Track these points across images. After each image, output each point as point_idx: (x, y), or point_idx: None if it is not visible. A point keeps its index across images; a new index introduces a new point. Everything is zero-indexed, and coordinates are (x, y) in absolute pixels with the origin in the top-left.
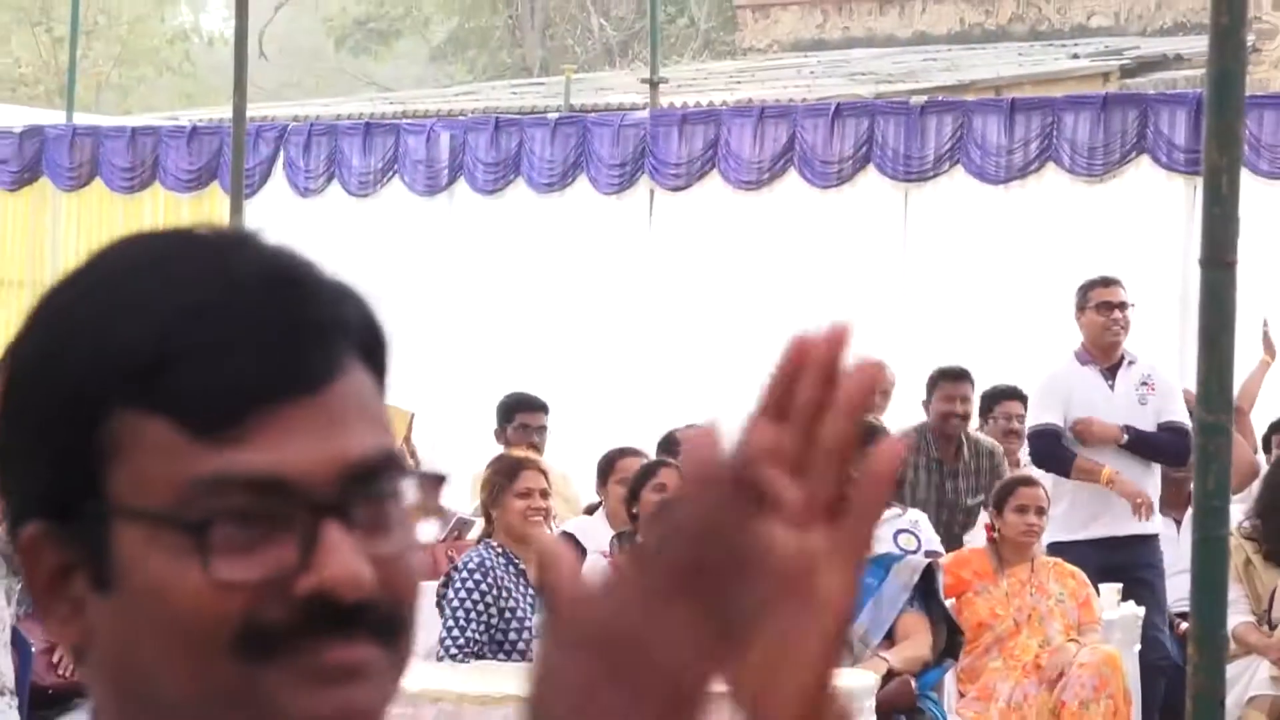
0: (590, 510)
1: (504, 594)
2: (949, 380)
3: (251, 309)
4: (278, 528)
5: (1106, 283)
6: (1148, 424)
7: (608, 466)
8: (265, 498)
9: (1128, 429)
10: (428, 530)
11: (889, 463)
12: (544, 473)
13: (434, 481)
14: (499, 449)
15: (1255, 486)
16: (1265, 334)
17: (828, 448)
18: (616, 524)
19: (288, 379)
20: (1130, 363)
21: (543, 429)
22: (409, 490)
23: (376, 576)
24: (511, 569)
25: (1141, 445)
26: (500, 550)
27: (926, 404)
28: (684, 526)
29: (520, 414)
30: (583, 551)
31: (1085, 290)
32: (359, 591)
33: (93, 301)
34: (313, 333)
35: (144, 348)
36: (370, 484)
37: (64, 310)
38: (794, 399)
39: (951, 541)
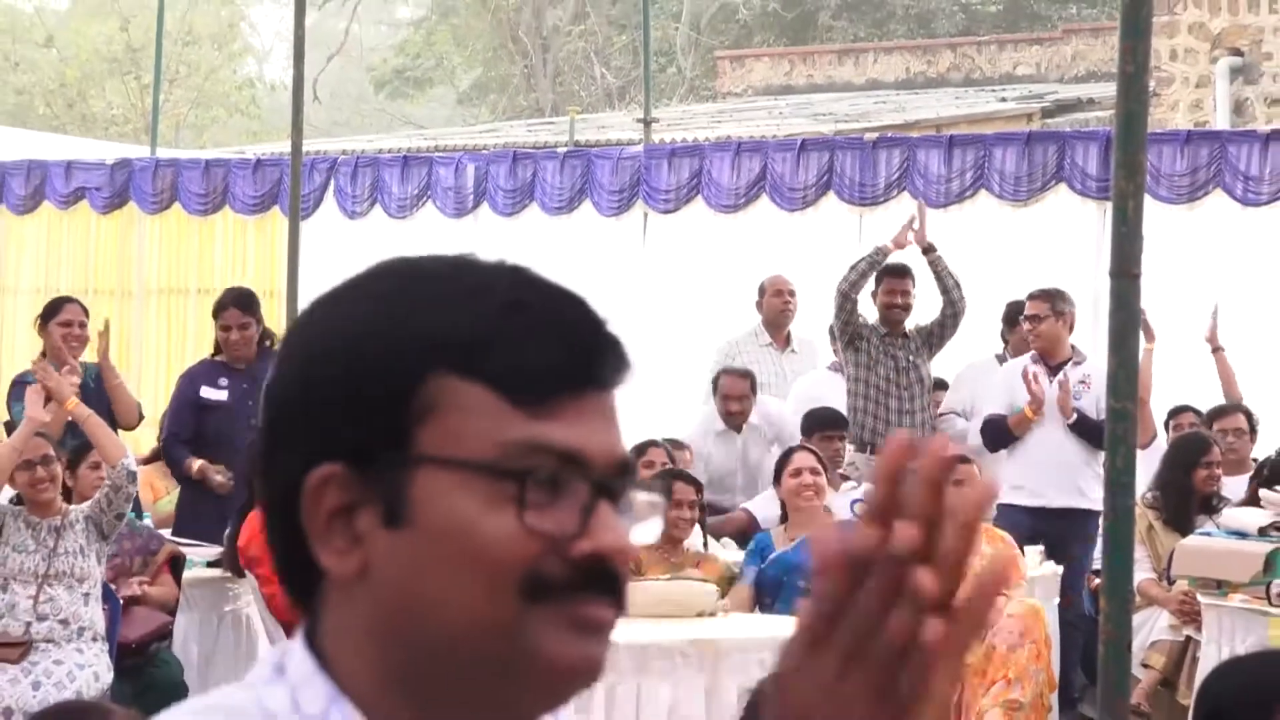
0: None
1: None
2: (892, 276)
3: (563, 310)
4: (565, 496)
5: (1031, 296)
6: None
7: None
8: (565, 467)
9: (1076, 412)
10: (651, 530)
11: (998, 583)
12: None
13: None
14: None
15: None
16: (1144, 321)
17: (949, 553)
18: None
19: (591, 373)
20: (1076, 363)
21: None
22: (643, 494)
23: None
24: None
25: (1083, 429)
26: None
27: (874, 294)
28: (844, 618)
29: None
30: None
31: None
32: (622, 560)
33: (414, 292)
34: (608, 343)
35: (473, 328)
36: (627, 477)
37: (379, 301)
38: (905, 501)
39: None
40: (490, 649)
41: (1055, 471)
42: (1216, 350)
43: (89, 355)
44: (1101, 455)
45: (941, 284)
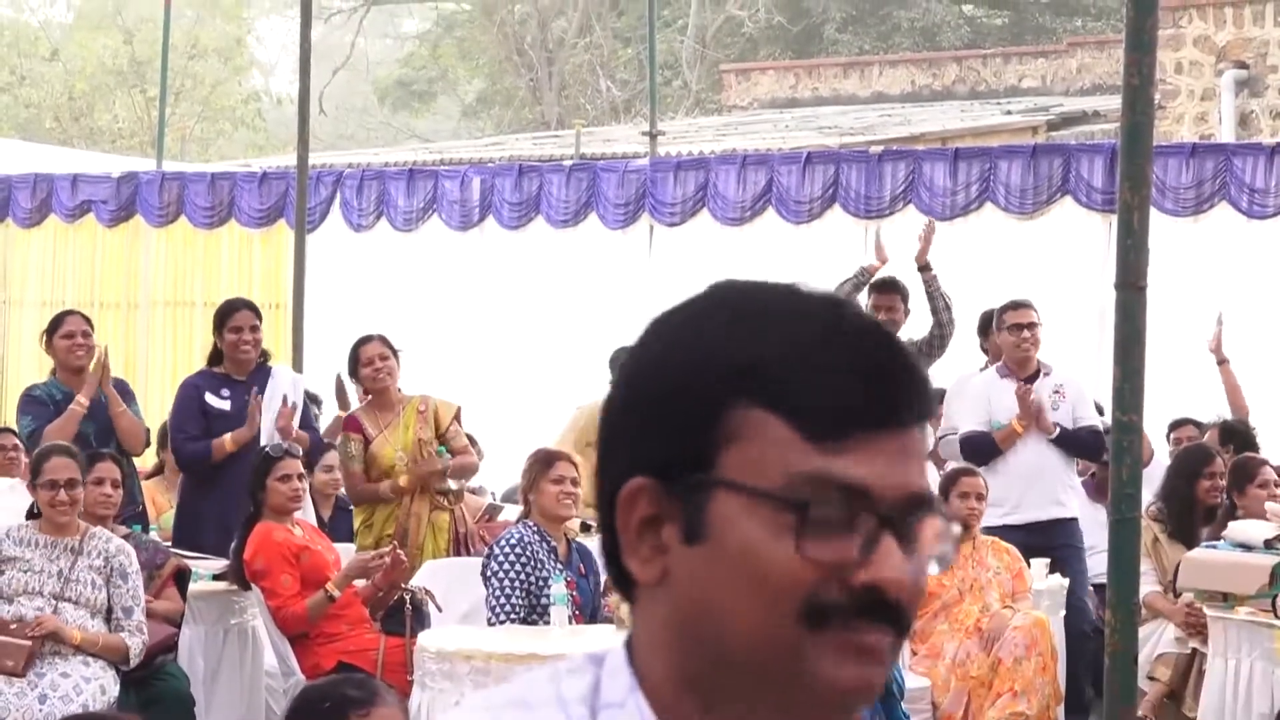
0: None
1: (538, 566)
2: (881, 291)
3: (867, 349)
4: (848, 527)
5: (1017, 306)
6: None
7: None
8: (849, 501)
9: (1057, 424)
10: (941, 563)
11: None
12: (575, 464)
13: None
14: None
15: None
16: (1218, 329)
17: None
18: None
19: (888, 413)
20: (1045, 374)
21: None
22: (936, 526)
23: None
24: (545, 545)
25: (1065, 441)
26: (536, 529)
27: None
28: None
29: None
30: None
31: (1000, 313)
32: (901, 592)
33: (731, 321)
34: (911, 382)
35: (778, 361)
36: (918, 512)
37: (701, 325)
38: None
39: None
40: (770, 665)
41: (1037, 484)
42: (1222, 362)
43: (125, 370)
44: (1076, 465)
45: (932, 304)
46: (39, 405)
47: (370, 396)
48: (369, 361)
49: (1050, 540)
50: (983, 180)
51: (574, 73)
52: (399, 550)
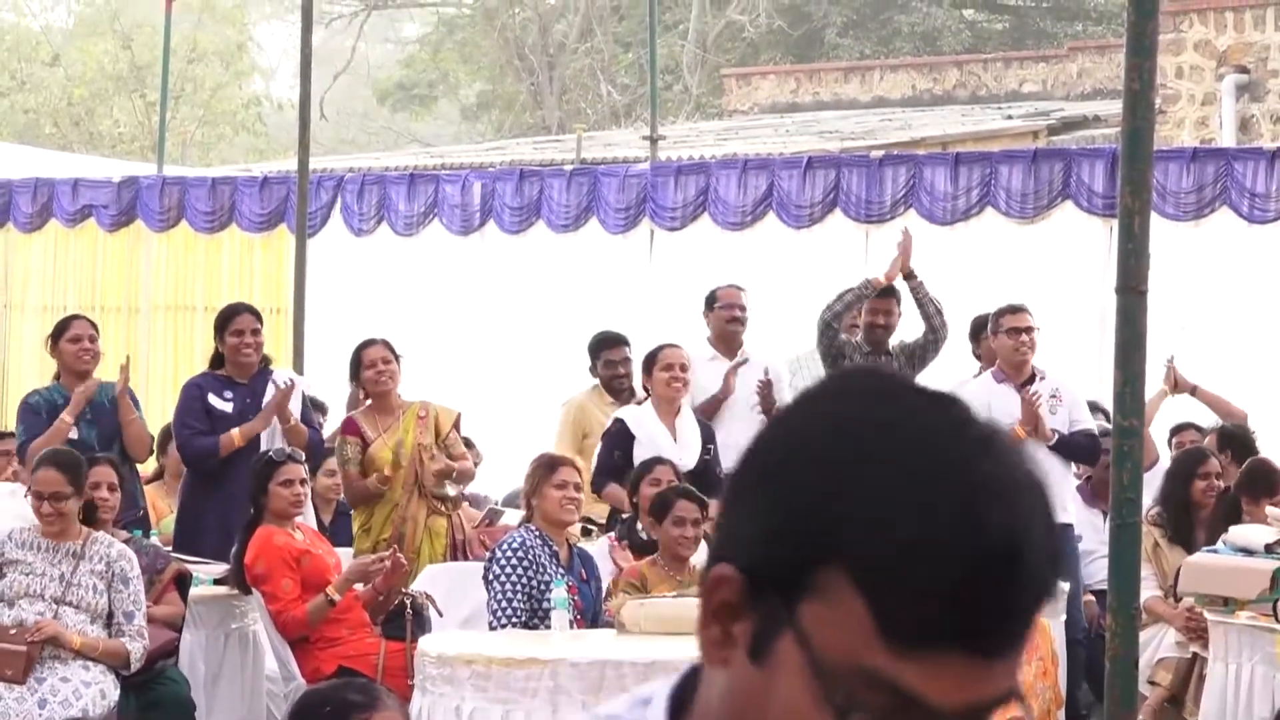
0: (639, 402)
1: (540, 570)
2: (877, 295)
3: (979, 571)
4: None
5: (1014, 310)
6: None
7: (652, 359)
8: (903, 708)
9: (1055, 431)
10: None
11: None
12: (578, 469)
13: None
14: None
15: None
16: (1170, 368)
17: None
18: (659, 407)
19: (976, 640)
20: (1041, 378)
21: (626, 360)
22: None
23: None
24: (547, 550)
25: (1063, 446)
26: (538, 533)
27: (858, 312)
28: None
29: (604, 351)
30: (631, 438)
31: (996, 317)
32: None
33: (856, 461)
34: (1017, 617)
35: (883, 541)
36: (986, 714)
37: (829, 447)
38: None
39: None
40: None
41: None
42: (1192, 391)
43: (105, 374)
44: (1072, 470)
45: (923, 310)
46: (32, 415)
47: (370, 400)
48: (371, 364)
49: None
50: (983, 185)
51: (575, 77)
52: (398, 553)
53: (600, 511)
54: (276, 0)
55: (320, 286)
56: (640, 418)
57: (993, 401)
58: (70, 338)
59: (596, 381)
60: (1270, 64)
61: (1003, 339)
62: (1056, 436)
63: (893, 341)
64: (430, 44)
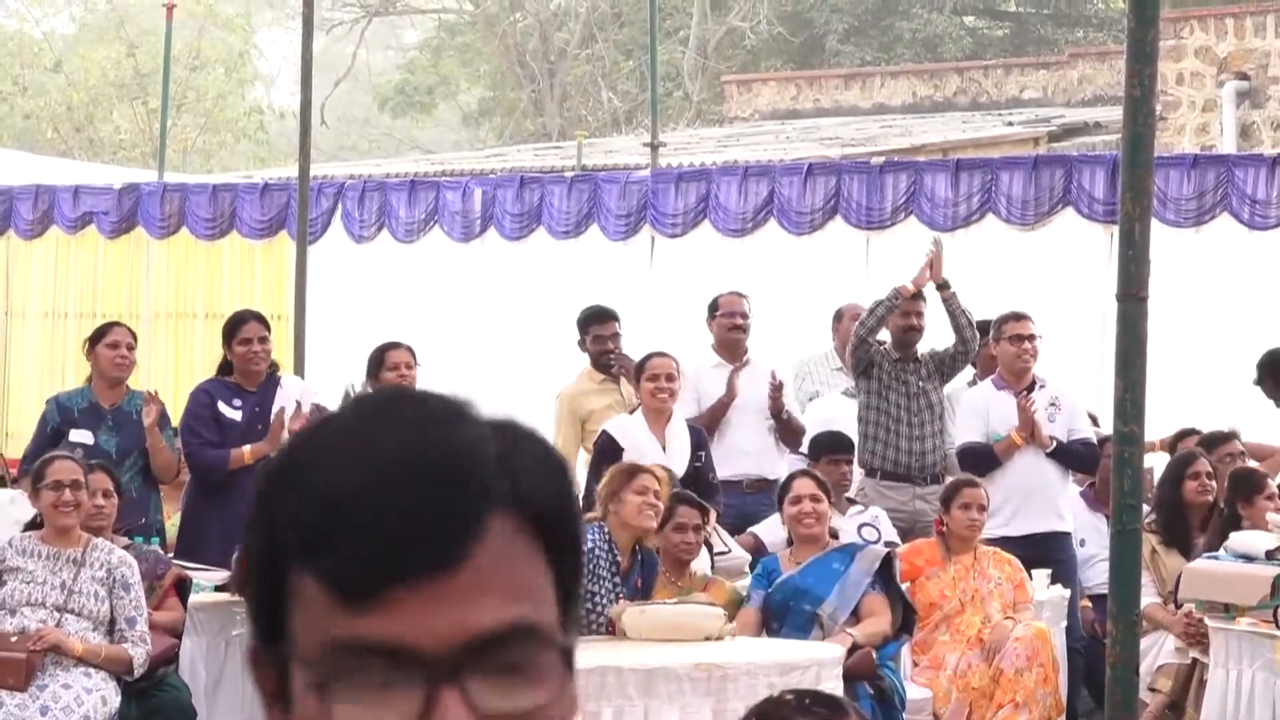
0: (631, 410)
1: (592, 577)
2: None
3: (397, 494)
4: (401, 689)
5: (1018, 317)
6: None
7: (640, 368)
8: (390, 663)
9: (1053, 438)
10: (537, 695)
11: None
12: (659, 479)
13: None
14: None
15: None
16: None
17: None
18: (648, 416)
19: (420, 560)
20: (1041, 386)
21: (616, 335)
22: (539, 653)
23: None
24: (609, 557)
25: (1060, 454)
26: (606, 536)
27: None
28: None
29: (594, 326)
30: (619, 449)
31: (999, 324)
32: None
33: (300, 463)
34: (450, 517)
35: (312, 520)
36: (493, 653)
37: (276, 476)
38: None
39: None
40: None
41: (1037, 495)
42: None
43: (134, 383)
44: (1070, 478)
45: (955, 321)
46: (40, 425)
47: None
48: (395, 366)
49: (1046, 554)
50: (984, 191)
51: (576, 84)
52: None
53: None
54: (277, 7)
55: (321, 293)
56: (627, 428)
57: (991, 408)
58: (108, 343)
59: (586, 365)
60: (1271, 70)
61: (1005, 346)
62: (1055, 444)
63: (922, 349)
64: (431, 50)
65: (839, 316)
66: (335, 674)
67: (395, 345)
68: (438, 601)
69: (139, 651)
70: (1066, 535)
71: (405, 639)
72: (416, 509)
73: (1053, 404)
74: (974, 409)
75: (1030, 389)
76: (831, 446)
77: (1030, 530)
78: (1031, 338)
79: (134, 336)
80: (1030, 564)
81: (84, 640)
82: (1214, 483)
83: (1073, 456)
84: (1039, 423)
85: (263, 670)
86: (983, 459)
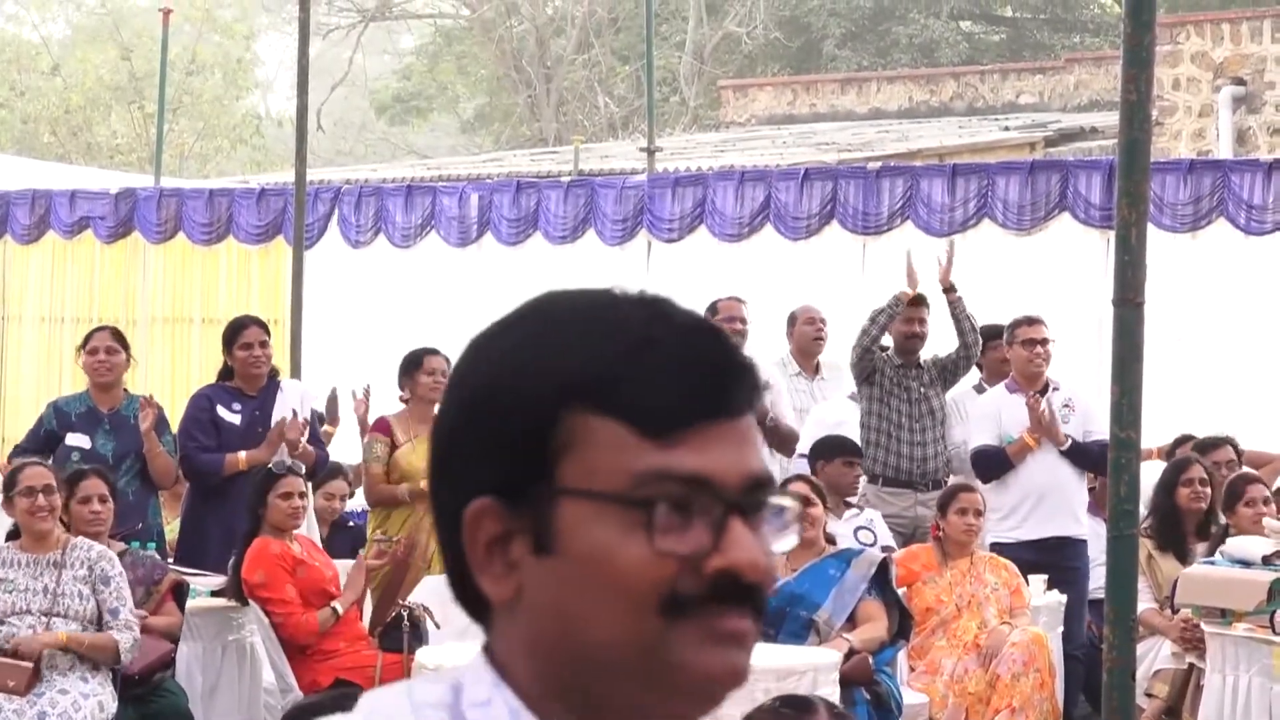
0: None
1: None
2: (910, 304)
3: (692, 345)
4: (697, 517)
5: (1030, 321)
6: None
7: None
8: (693, 491)
9: (1068, 437)
10: (788, 541)
11: None
12: None
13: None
14: None
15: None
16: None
17: None
18: None
19: (718, 404)
20: (1055, 389)
21: None
22: (780, 504)
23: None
24: None
25: (1076, 454)
26: None
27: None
28: None
29: None
30: None
31: (1012, 328)
32: (756, 573)
33: (555, 331)
34: (737, 372)
35: (607, 366)
36: (761, 493)
37: (526, 337)
38: None
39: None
40: (638, 663)
41: (1049, 499)
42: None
43: (131, 387)
44: (1086, 481)
45: (959, 325)
46: (35, 428)
47: (410, 405)
48: (431, 371)
49: (1059, 560)
50: (980, 196)
51: (572, 89)
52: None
53: None
54: (274, 12)
55: (318, 298)
56: None
57: (1004, 411)
58: (89, 350)
59: None
60: (1267, 76)
61: (1018, 350)
62: (1070, 442)
63: (925, 355)
64: (428, 55)
65: (792, 320)
66: (654, 500)
67: (434, 351)
68: (728, 444)
69: (125, 637)
70: (1082, 542)
71: (707, 470)
72: (721, 359)
73: (1066, 406)
74: (987, 412)
75: (1043, 392)
76: (844, 449)
77: (1045, 534)
78: (1044, 341)
79: (119, 339)
80: (1042, 569)
81: (70, 639)
82: (1208, 489)
83: (1088, 456)
84: (1052, 416)
85: (487, 521)
86: (995, 461)
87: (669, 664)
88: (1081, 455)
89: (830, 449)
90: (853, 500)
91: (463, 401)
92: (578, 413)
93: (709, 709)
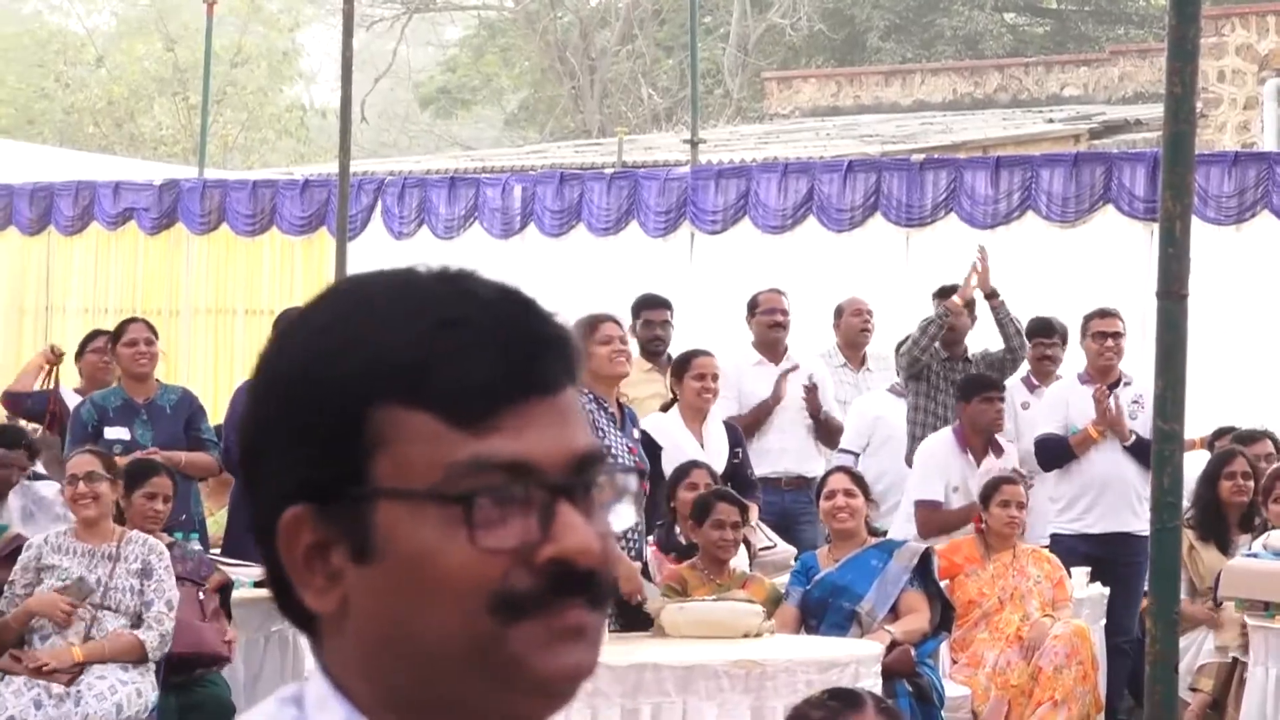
0: (665, 407)
1: (600, 434)
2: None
3: (499, 322)
4: (521, 505)
5: (1104, 314)
6: None
7: (684, 364)
8: (514, 479)
9: (1134, 433)
10: (624, 516)
11: None
12: (619, 323)
13: (633, 476)
14: None
15: None
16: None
17: None
18: (686, 414)
19: (532, 382)
20: (1126, 384)
21: (666, 323)
22: (613, 480)
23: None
24: (603, 413)
25: (1140, 450)
26: (589, 394)
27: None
28: None
29: (646, 310)
30: (658, 448)
31: (1086, 320)
32: (590, 559)
33: (352, 320)
34: (549, 345)
35: (408, 353)
36: (590, 472)
37: (323, 329)
38: None
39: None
40: (476, 668)
41: (1110, 492)
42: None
43: (166, 378)
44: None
45: (1003, 330)
46: (79, 426)
47: None
48: None
49: (1118, 555)
50: (1024, 189)
51: (616, 81)
52: None
53: None
54: (318, 3)
55: None
56: (665, 425)
57: (1072, 402)
58: (126, 342)
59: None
60: None
61: (1089, 342)
62: (1135, 438)
63: (974, 350)
64: (472, 47)
65: (839, 313)
66: (472, 493)
67: None
68: (547, 423)
69: (151, 635)
70: (1142, 538)
71: (527, 455)
72: (531, 332)
73: (1135, 401)
74: (1055, 401)
75: (1114, 386)
76: (984, 384)
77: (1105, 529)
78: (1117, 334)
79: (153, 330)
80: (1100, 563)
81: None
82: (1250, 482)
83: (1148, 451)
84: (1119, 410)
85: (303, 531)
86: (1057, 450)
87: (509, 666)
88: (1146, 451)
89: (970, 387)
90: (998, 436)
91: (266, 398)
92: (384, 406)
93: (558, 707)
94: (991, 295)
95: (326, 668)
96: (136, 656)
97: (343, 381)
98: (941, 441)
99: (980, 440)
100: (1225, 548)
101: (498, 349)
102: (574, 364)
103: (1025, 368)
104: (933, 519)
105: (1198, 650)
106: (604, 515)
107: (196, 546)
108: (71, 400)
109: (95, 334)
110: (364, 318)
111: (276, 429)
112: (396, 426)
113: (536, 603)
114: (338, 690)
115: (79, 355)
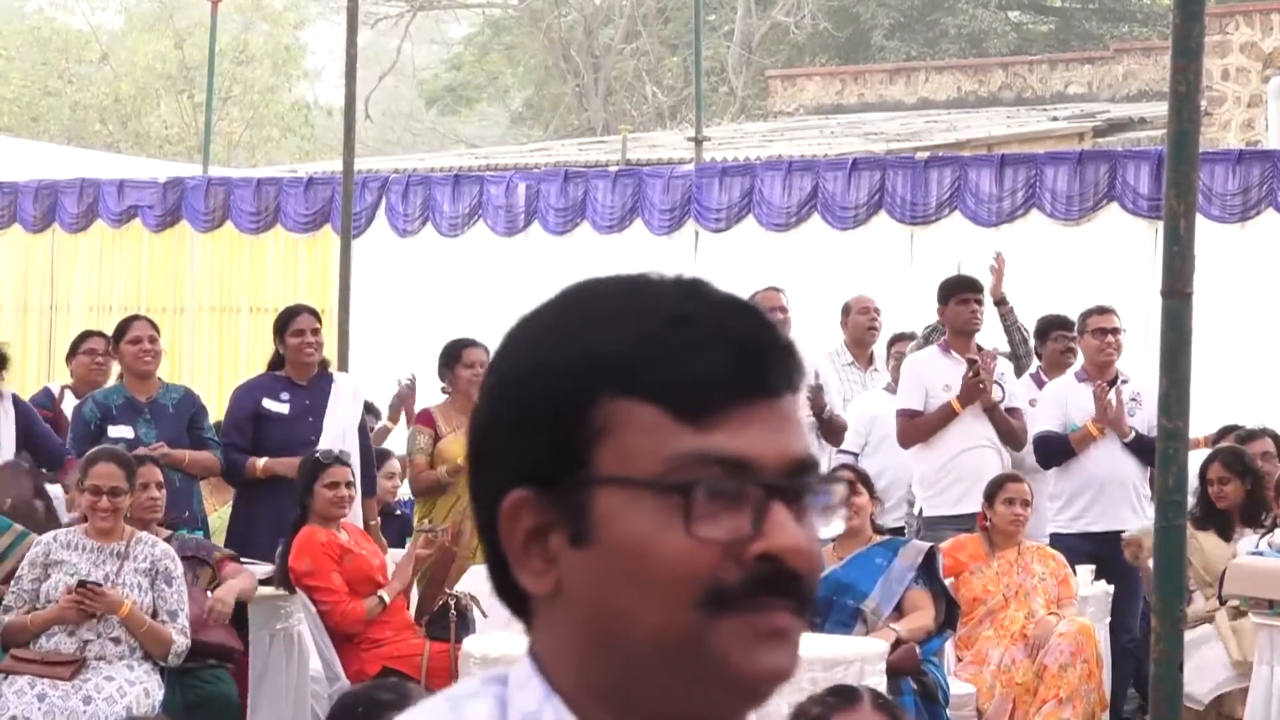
0: None
1: None
2: (971, 289)
3: (729, 323)
4: (737, 501)
5: (1102, 311)
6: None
7: None
8: (732, 474)
9: (1133, 429)
10: (834, 526)
11: None
12: None
13: (842, 486)
14: None
15: None
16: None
17: None
18: None
19: (758, 383)
20: (1124, 381)
21: None
22: (825, 489)
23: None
24: None
25: (1140, 446)
26: None
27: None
28: None
29: None
30: None
31: (1084, 317)
32: (800, 560)
33: (582, 316)
34: (776, 351)
35: (638, 346)
36: (804, 477)
37: (553, 326)
38: None
39: None
40: (679, 660)
41: (1115, 490)
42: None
43: (171, 375)
44: (1150, 475)
45: (1010, 337)
46: (82, 425)
47: (451, 396)
48: (471, 364)
49: (1119, 554)
50: (1029, 187)
51: (620, 78)
52: (449, 542)
53: None
54: (323, 1)
55: (365, 287)
56: None
57: (1071, 399)
58: (130, 339)
59: None
60: None
61: (1088, 339)
62: (1134, 434)
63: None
64: (476, 45)
65: (846, 310)
66: (691, 484)
67: (473, 343)
68: (768, 425)
69: (180, 641)
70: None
71: (747, 452)
72: (760, 336)
73: (1133, 399)
74: (1054, 399)
75: (1112, 383)
76: (962, 285)
77: (1105, 528)
78: (1115, 331)
79: (155, 328)
80: (1101, 561)
81: (131, 621)
82: (1228, 488)
83: (1152, 450)
84: (1119, 407)
85: (524, 514)
86: (1056, 448)
87: (712, 662)
88: (1145, 448)
89: (947, 289)
90: (975, 335)
91: (497, 391)
92: (611, 397)
93: (754, 706)
94: (1001, 302)
95: (535, 651)
96: (160, 650)
97: (573, 372)
98: (926, 354)
99: (962, 341)
100: (1228, 537)
101: (727, 348)
102: (796, 373)
103: (1034, 364)
104: (909, 426)
105: (1200, 650)
106: (813, 522)
107: (196, 535)
108: (69, 401)
109: (86, 335)
110: (598, 314)
111: (506, 420)
112: (622, 417)
113: (743, 599)
114: (540, 672)
115: (70, 356)
